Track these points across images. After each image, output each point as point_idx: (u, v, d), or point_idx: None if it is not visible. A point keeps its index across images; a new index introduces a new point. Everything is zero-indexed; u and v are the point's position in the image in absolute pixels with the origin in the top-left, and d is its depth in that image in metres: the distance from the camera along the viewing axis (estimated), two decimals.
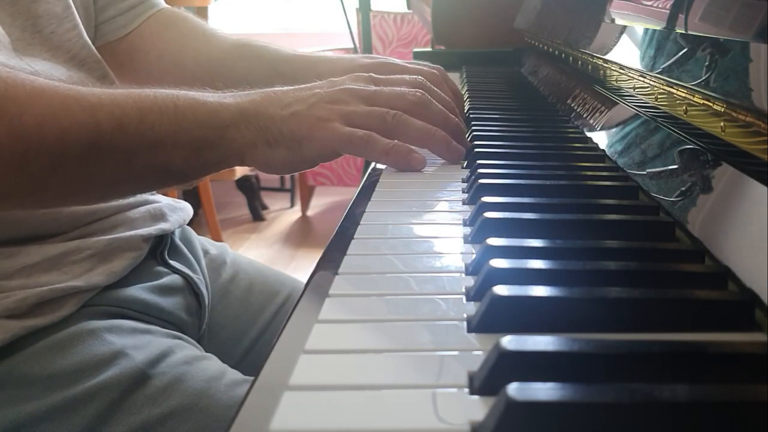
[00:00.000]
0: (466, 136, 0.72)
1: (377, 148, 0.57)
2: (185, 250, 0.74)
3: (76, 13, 0.68)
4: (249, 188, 3.25)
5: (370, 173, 0.60)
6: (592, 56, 0.74)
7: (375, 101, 0.59)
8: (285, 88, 0.59)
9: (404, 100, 0.60)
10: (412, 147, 0.59)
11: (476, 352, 0.29)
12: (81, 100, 0.51)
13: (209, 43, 0.82)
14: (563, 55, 0.91)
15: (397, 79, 0.65)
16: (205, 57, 0.81)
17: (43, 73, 0.61)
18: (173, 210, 0.73)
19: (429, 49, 1.65)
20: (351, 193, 0.55)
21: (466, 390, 0.26)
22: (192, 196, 2.65)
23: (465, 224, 0.46)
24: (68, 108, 0.50)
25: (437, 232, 0.45)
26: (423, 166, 0.60)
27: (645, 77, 0.56)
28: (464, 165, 0.62)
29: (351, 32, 2.36)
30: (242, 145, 0.56)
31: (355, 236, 0.43)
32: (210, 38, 0.83)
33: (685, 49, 0.46)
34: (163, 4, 0.84)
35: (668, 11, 0.51)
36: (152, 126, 0.53)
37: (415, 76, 0.66)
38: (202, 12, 2.57)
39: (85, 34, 0.69)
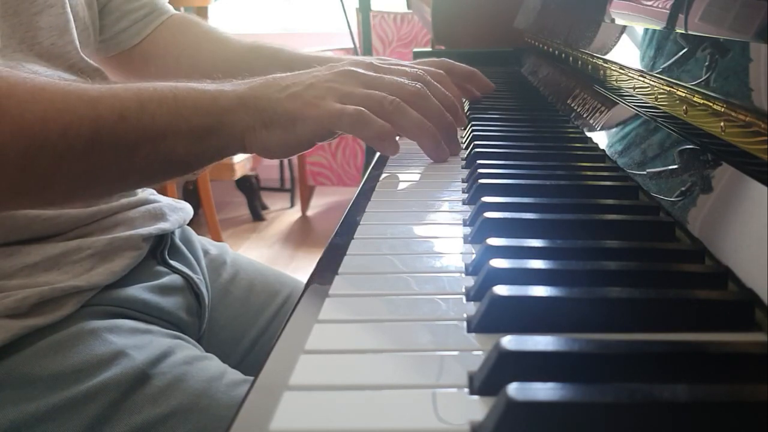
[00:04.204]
0: (466, 135, 0.73)
1: (371, 128, 0.56)
2: (185, 250, 0.74)
3: (74, 29, 0.68)
4: (249, 188, 3.25)
5: (370, 173, 0.60)
6: (592, 56, 0.74)
7: (374, 86, 0.59)
8: (285, 74, 0.59)
9: (403, 90, 0.59)
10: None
11: (476, 352, 0.29)
12: (82, 94, 0.51)
13: (225, 45, 0.84)
14: (563, 55, 0.91)
15: (397, 69, 0.65)
16: (221, 58, 0.83)
17: (45, 73, 0.61)
18: (173, 210, 0.73)
19: (429, 49, 1.64)
20: (351, 193, 0.55)
21: (466, 390, 0.26)
22: (192, 196, 2.66)
23: (465, 224, 0.46)
24: (70, 103, 0.50)
25: (437, 232, 0.45)
26: (394, 153, 0.59)
27: (645, 77, 0.56)
28: (464, 165, 0.62)
29: (351, 32, 2.36)
30: (241, 129, 0.56)
31: (355, 236, 0.43)
32: (225, 41, 0.85)
33: (685, 49, 0.46)
34: (173, 11, 0.86)
35: (668, 11, 0.51)
36: (152, 116, 0.53)
37: (417, 69, 0.66)
38: (202, 12, 2.57)
39: (79, 49, 0.69)
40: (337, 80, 0.58)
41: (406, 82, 0.61)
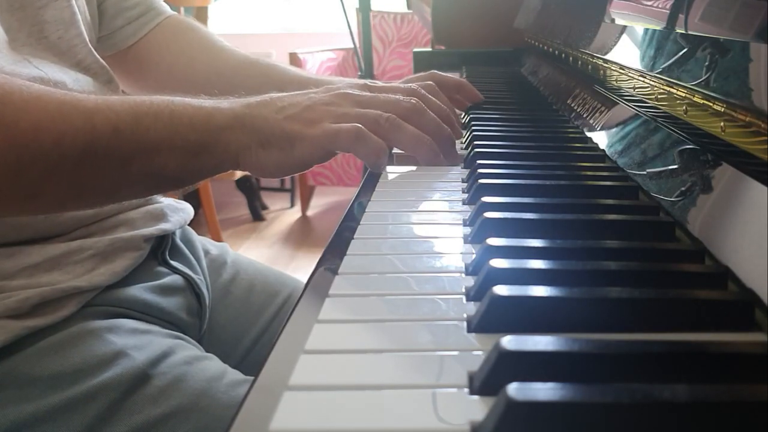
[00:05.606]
0: (466, 135, 0.73)
1: (369, 145, 0.56)
2: (186, 250, 0.74)
3: (81, 21, 0.68)
4: (249, 188, 3.25)
5: (369, 173, 0.60)
6: (592, 56, 0.74)
7: (369, 106, 0.59)
8: (281, 93, 0.59)
9: (399, 106, 0.60)
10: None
11: (476, 352, 0.29)
12: (77, 105, 0.51)
13: (218, 57, 0.84)
14: (563, 55, 0.91)
15: (391, 86, 0.66)
16: (214, 72, 0.83)
17: (52, 75, 0.61)
18: (174, 210, 0.73)
19: (429, 49, 1.64)
20: (351, 193, 0.55)
21: (466, 390, 0.26)
22: (192, 197, 2.66)
23: (465, 224, 0.46)
24: (64, 113, 0.49)
25: (437, 232, 0.45)
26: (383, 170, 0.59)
27: (645, 77, 0.56)
28: (464, 165, 0.62)
29: (351, 32, 2.36)
30: (237, 148, 0.56)
31: (355, 236, 0.43)
32: (219, 52, 0.85)
33: (685, 49, 0.47)
34: (170, 12, 0.85)
35: (668, 11, 0.51)
36: (147, 130, 0.52)
37: (410, 85, 0.66)
38: (202, 12, 2.57)
39: (88, 42, 0.69)
40: (334, 102, 0.58)
41: (401, 98, 0.61)
